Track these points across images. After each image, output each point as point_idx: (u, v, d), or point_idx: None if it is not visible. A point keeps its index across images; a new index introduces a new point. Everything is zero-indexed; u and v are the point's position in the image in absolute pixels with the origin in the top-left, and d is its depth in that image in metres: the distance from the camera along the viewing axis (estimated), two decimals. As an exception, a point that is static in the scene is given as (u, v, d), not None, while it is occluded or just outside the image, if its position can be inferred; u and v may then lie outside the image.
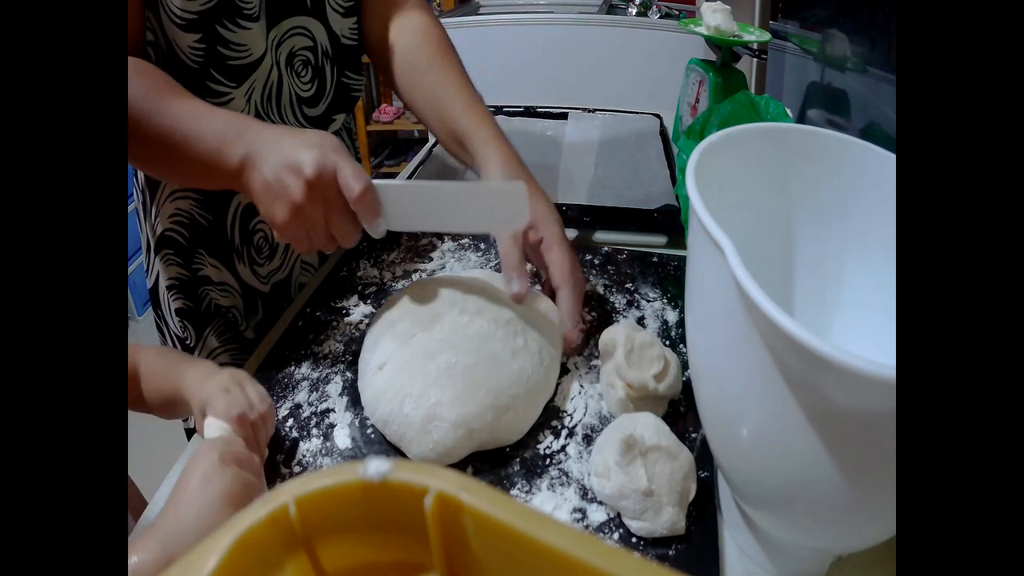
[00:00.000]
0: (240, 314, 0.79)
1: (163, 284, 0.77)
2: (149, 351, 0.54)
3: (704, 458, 0.49)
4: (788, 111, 0.71)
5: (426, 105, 0.71)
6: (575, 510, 0.46)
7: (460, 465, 0.50)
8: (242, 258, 0.76)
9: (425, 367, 0.50)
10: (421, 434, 0.49)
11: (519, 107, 1.22)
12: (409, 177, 0.96)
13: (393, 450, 0.52)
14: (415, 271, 0.74)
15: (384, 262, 0.76)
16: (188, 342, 0.79)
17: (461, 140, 0.67)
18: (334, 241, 0.54)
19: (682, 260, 0.76)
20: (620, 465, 0.44)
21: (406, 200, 0.53)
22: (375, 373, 0.52)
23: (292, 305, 0.74)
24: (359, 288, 0.72)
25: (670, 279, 0.72)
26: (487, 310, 0.54)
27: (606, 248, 0.78)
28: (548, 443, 0.52)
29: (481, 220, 0.55)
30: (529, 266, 0.62)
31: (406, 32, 0.74)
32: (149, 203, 0.74)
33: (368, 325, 0.60)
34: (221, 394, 0.47)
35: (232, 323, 0.79)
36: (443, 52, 0.73)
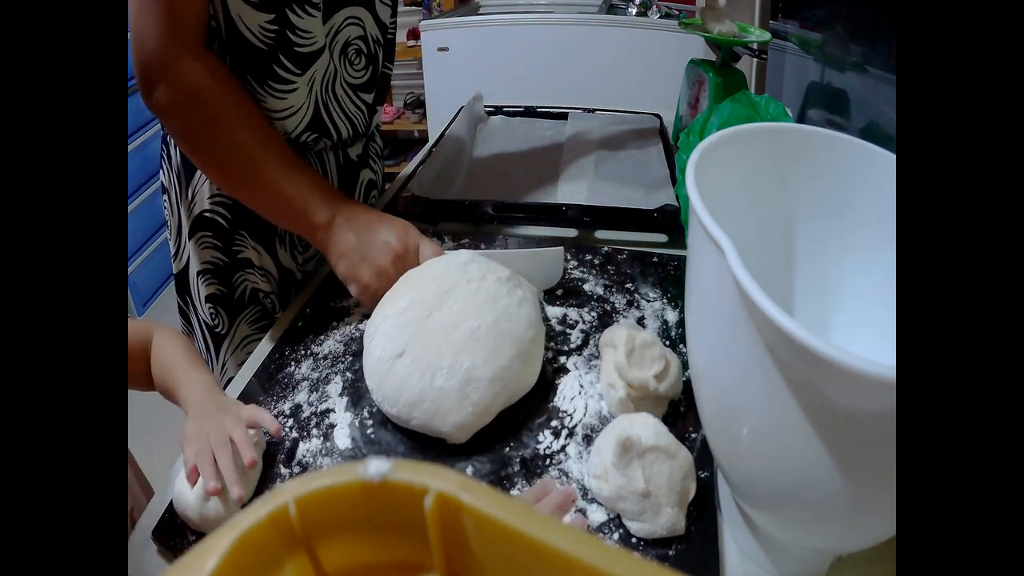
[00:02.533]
0: (276, 300, 0.79)
1: (194, 269, 0.76)
2: (163, 337, 0.54)
3: (704, 458, 0.49)
4: (788, 111, 0.71)
5: None
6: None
7: (460, 465, 0.50)
8: (284, 243, 0.77)
9: (450, 339, 0.52)
10: (459, 400, 0.50)
11: (519, 107, 1.22)
12: (409, 176, 0.96)
13: (398, 447, 0.52)
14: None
15: (384, 262, 0.76)
16: (219, 329, 0.78)
17: None
18: None
19: (682, 260, 0.76)
20: (617, 467, 0.44)
21: None
22: (393, 363, 0.52)
23: (292, 305, 0.74)
24: (359, 288, 0.71)
25: (670, 279, 0.72)
26: (488, 273, 0.58)
27: (606, 248, 0.78)
28: (548, 443, 0.52)
29: (528, 276, 0.65)
30: None
31: None
32: (185, 184, 0.74)
33: (368, 323, 0.60)
34: (192, 440, 0.46)
35: (268, 311, 0.79)
36: None
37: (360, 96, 0.75)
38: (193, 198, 0.73)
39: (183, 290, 0.79)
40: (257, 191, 0.64)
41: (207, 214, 0.73)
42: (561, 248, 0.67)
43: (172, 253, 0.79)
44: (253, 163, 0.62)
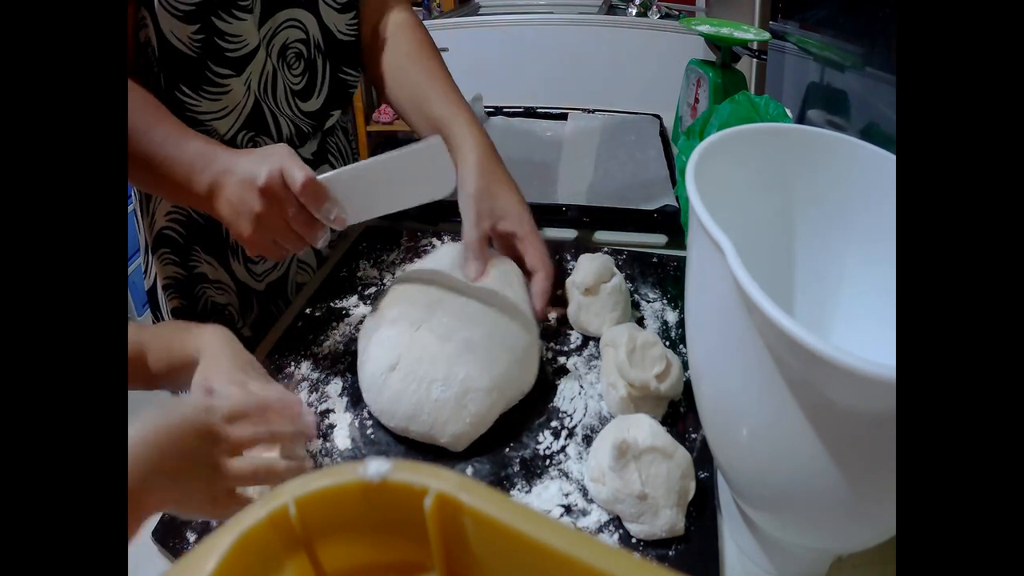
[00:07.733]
0: (236, 312, 0.79)
1: (160, 284, 0.77)
2: (150, 327, 0.54)
3: (704, 458, 0.49)
4: (788, 111, 0.71)
5: (409, 97, 0.75)
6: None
7: (460, 466, 0.50)
8: (236, 256, 0.76)
9: (444, 350, 0.52)
10: (456, 410, 0.50)
11: (519, 107, 1.22)
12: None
13: (398, 448, 0.52)
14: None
15: (384, 262, 0.76)
16: None
17: (439, 128, 0.69)
18: (302, 240, 0.56)
19: (682, 260, 0.76)
20: (614, 470, 0.44)
21: (349, 184, 0.55)
22: (387, 375, 0.52)
23: (292, 306, 0.74)
24: (359, 288, 0.72)
25: (670, 279, 0.72)
26: (475, 281, 0.57)
27: (606, 248, 0.78)
28: (548, 443, 0.52)
29: (419, 187, 0.56)
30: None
31: (394, 30, 0.78)
32: (146, 202, 0.75)
33: (362, 328, 0.60)
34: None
35: (229, 321, 0.79)
36: (427, 50, 0.77)
37: (298, 103, 0.73)
38: (153, 215, 0.74)
39: (154, 307, 0.80)
40: (156, 181, 0.61)
41: (165, 231, 0.74)
42: (437, 137, 0.54)
43: (143, 271, 0.80)
44: (147, 155, 0.58)
